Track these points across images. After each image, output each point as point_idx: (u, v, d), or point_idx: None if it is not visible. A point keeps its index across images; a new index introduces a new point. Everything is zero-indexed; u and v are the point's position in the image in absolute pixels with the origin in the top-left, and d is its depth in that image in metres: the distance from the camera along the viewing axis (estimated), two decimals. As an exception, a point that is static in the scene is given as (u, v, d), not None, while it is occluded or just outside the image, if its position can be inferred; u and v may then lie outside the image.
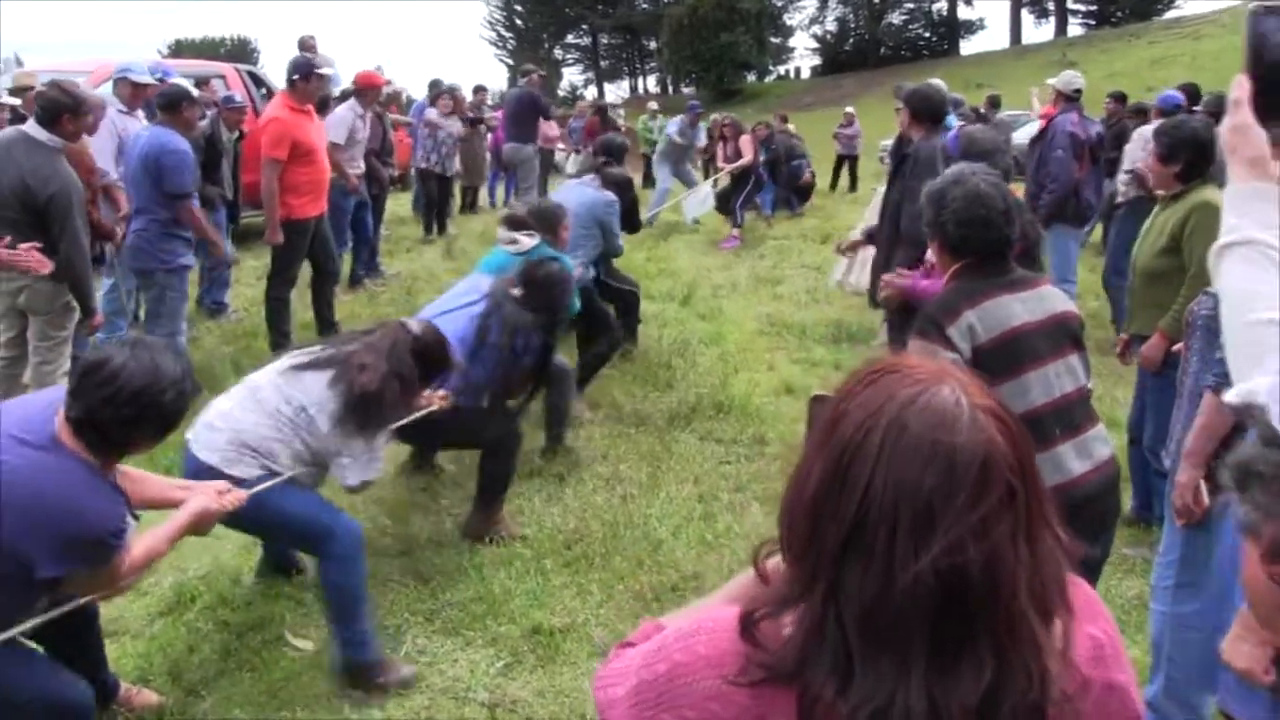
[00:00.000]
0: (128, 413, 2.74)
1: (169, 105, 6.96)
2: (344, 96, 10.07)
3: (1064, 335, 3.20)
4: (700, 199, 14.29)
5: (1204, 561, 3.32)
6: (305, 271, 8.51)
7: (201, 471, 3.55)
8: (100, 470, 2.81)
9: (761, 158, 14.37)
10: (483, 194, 17.38)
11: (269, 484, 3.58)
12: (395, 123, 12.45)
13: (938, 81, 11.19)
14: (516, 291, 5.05)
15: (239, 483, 3.50)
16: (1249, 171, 1.56)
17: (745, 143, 14.25)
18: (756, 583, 1.34)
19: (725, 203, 14.37)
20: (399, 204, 14.75)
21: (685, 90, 57.05)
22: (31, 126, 5.51)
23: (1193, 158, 4.62)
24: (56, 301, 5.63)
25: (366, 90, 9.91)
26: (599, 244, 7.13)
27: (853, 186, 19.80)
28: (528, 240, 5.95)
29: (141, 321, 8.22)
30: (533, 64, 16.44)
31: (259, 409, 3.71)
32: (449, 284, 9.41)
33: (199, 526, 3.25)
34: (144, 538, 3.06)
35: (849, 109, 21.31)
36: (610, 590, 4.46)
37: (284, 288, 8.12)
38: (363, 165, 10.05)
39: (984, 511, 1.08)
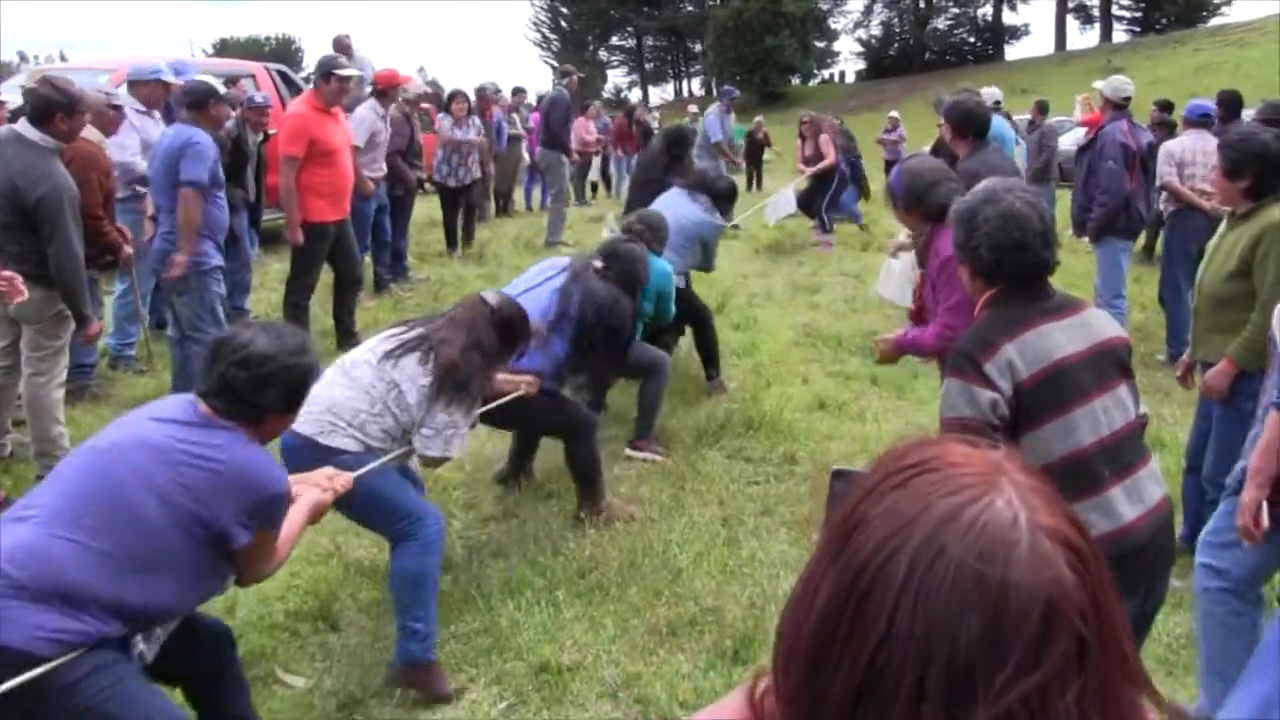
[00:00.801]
0: (259, 373, 2.84)
1: (196, 103, 6.61)
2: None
3: (1111, 364, 2.91)
4: (783, 202, 13.91)
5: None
6: (328, 277, 8.33)
7: (299, 446, 3.72)
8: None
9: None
10: (518, 197, 17.19)
11: (374, 464, 3.71)
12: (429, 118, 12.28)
13: (990, 90, 10.91)
14: (598, 264, 5.23)
15: (336, 454, 3.67)
16: None
17: (825, 142, 13.81)
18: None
19: (807, 205, 14.00)
20: (431, 206, 14.54)
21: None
22: (24, 125, 5.27)
23: (1261, 172, 4.28)
24: (47, 310, 5.39)
25: (387, 90, 9.68)
26: (696, 260, 7.29)
27: (895, 192, 19.42)
28: None
29: (160, 330, 8.07)
30: (574, 66, 16.21)
31: (353, 385, 3.86)
32: (479, 290, 9.22)
33: (316, 517, 3.30)
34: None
35: (893, 114, 20.97)
36: (625, 624, 4.19)
37: (302, 294, 7.94)
38: (384, 167, 9.83)
39: (1044, 675, 0.79)
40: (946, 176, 4.46)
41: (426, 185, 12.60)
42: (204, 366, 2.93)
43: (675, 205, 7.04)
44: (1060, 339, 2.82)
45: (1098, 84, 8.86)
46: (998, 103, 10.74)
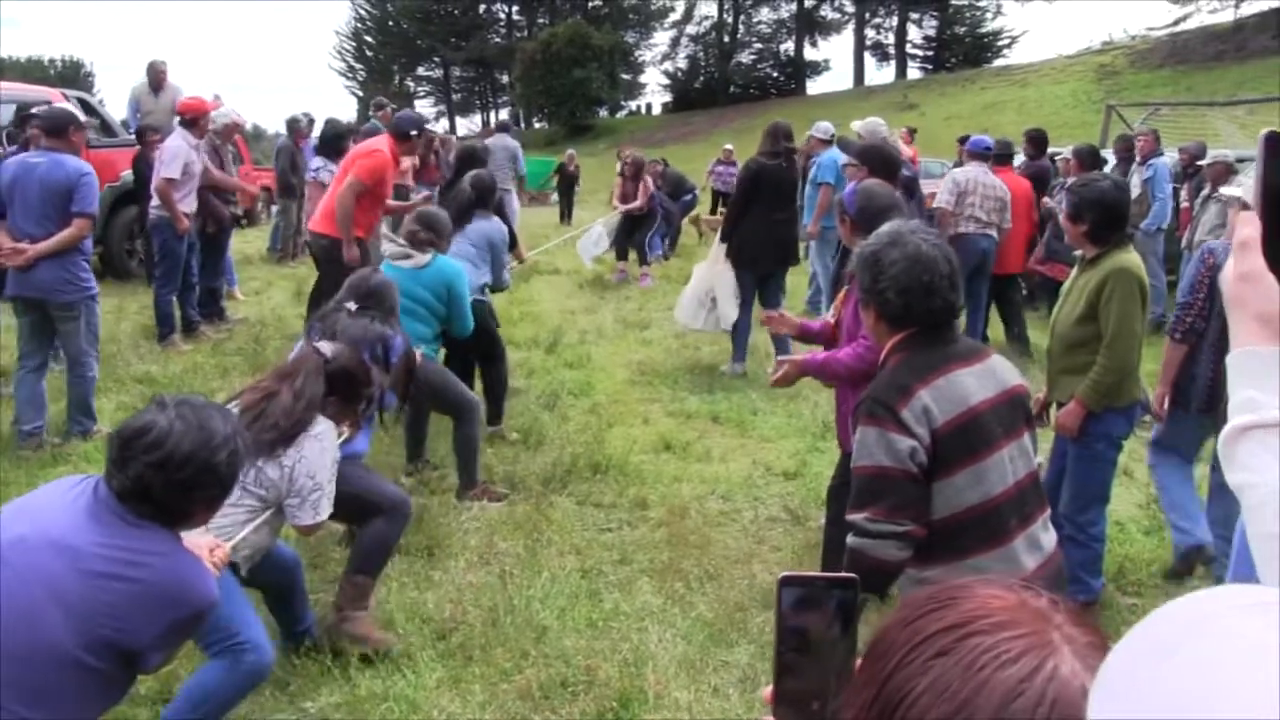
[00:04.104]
0: (182, 477, 2.52)
1: (56, 130, 6.59)
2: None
3: (1018, 411, 2.94)
4: (594, 239, 13.91)
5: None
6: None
7: None
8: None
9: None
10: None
11: (246, 530, 3.50)
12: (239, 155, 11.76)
13: (824, 124, 11.18)
14: (351, 305, 4.73)
15: None
16: (1261, 330, 1.20)
17: (645, 185, 14.14)
18: None
19: (625, 241, 14.22)
20: (244, 241, 14.00)
21: (538, 125, 56.84)
22: None
23: (1099, 218, 4.42)
24: None
25: (197, 118, 9.24)
26: (487, 273, 6.94)
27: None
28: (422, 256, 5.83)
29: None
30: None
31: None
32: (299, 329, 8.86)
33: None
34: None
35: (728, 146, 21.34)
36: (494, 689, 3.98)
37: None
38: (195, 203, 9.33)
39: None
40: (898, 204, 4.49)
41: (243, 221, 12.07)
42: (112, 456, 2.54)
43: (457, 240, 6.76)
44: (972, 385, 2.82)
45: (855, 124, 9.25)
46: (833, 135, 10.98)
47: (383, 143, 7.72)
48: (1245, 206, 4.11)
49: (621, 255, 14.25)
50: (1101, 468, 4.57)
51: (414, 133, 7.81)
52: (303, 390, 3.73)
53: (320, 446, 3.72)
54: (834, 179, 10.01)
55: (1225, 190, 8.02)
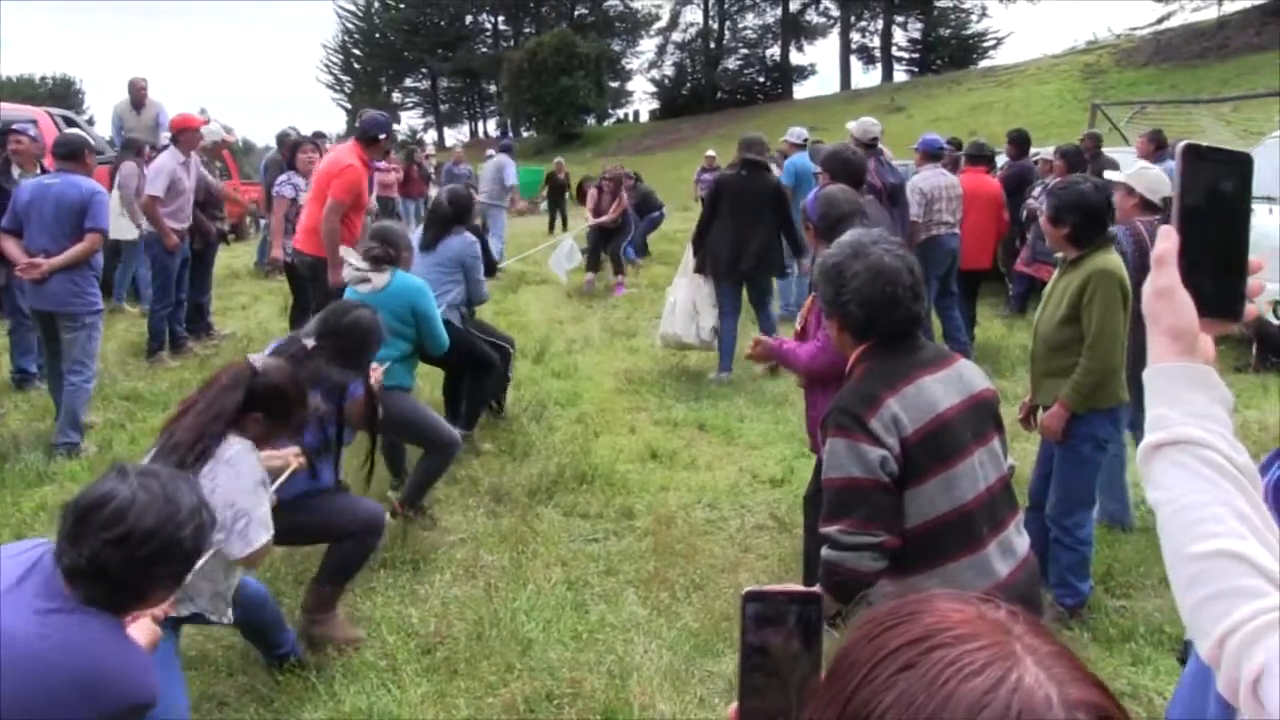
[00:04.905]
0: (143, 555, 2.30)
1: (72, 154, 7.04)
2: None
3: (986, 416, 2.93)
4: (566, 253, 13.95)
5: None
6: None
7: None
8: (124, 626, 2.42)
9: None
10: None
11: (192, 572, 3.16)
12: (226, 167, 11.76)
13: (798, 129, 11.20)
14: (310, 342, 4.41)
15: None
16: (1173, 346, 1.21)
17: (620, 200, 14.18)
18: None
19: (598, 251, 14.23)
20: (232, 255, 13.97)
21: (526, 134, 56.86)
22: None
23: (1080, 220, 4.42)
24: None
25: (183, 134, 9.23)
26: (462, 288, 6.86)
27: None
28: (380, 277, 5.65)
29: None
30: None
31: None
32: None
33: (151, 649, 2.77)
34: None
35: (710, 152, 21.40)
36: (479, 703, 3.97)
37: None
38: (189, 217, 9.32)
39: None
40: (860, 210, 4.50)
41: (230, 237, 12.06)
42: (65, 531, 2.31)
43: (424, 260, 6.71)
44: (939, 392, 2.80)
45: (850, 125, 9.27)
46: (805, 140, 11.00)
47: (349, 154, 7.62)
48: (1130, 191, 4.17)
49: (592, 266, 14.24)
50: (1087, 470, 4.56)
51: (382, 136, 7.68)
52: (211, 403, 3.45)
53: (234, 471, 3.39)
54: (792, 182, 10.20)
55: (1110, 174, 8.05)
